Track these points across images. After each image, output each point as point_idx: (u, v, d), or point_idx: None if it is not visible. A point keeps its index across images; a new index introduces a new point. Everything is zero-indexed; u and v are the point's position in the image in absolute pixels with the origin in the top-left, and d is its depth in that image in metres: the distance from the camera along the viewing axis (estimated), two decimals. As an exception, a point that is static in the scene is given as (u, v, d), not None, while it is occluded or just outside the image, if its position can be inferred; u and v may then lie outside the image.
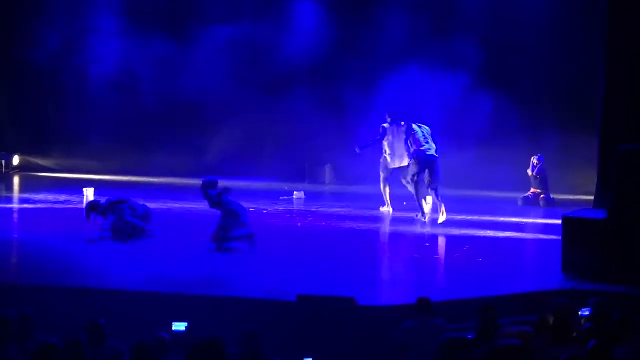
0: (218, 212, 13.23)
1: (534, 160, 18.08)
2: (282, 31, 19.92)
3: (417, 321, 8.76)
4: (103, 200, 14.12)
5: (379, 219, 16.33)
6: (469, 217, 16.27)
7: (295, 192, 18.67)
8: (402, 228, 15.35)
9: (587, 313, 8.14)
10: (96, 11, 20.53)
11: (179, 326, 8.82)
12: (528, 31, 18.84)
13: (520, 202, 17.95)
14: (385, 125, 16.39)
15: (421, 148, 15.48)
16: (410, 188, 15.86)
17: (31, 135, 21.36)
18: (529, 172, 18.10)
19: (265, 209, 16.97)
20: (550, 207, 17.52)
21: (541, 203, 17.83)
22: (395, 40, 19.28)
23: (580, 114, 18.14)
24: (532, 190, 18.06)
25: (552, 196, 17.97)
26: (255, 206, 16.98)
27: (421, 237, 14.58)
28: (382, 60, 19.40)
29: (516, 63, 19.03)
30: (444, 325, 8.66)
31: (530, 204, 17.86)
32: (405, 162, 16.12)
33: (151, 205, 14.66)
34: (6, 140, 20.67)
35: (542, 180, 18.01)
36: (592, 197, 14.49)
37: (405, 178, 16.15)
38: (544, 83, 18.87)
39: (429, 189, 15.52)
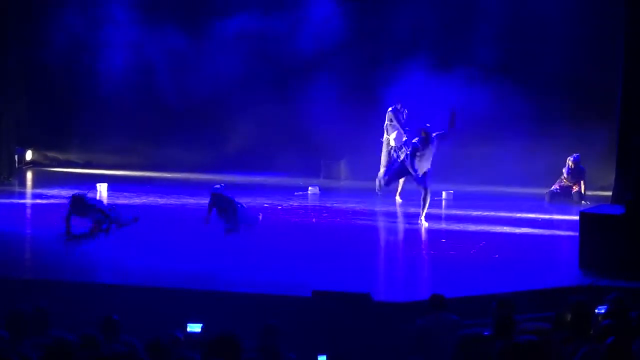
0: None
1: (569, 161, 17.48)
2: (296, 23, 19.84)
3: (431, 317, 8.71)
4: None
5: (394, 214, 16.27)
6: (485, 213, 16.19)
7: (310, 188, 18.60)
8: (418, 224, 15.28)
9: (603, 310, 8.07)
10: (110, 6, 20.52)
11: (194, 327, 8.59)
12: (542, 22, 18.68)
13: (547, 198, 17.52)
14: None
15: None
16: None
17: (50, 130, 21.37)
18: (564, 174, 17.55)
19: (279, 205, 16.92)
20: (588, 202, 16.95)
21: (588, 202, 17.06)
22: (410, 31, 19.17)
23: (596, 107, 18.00)
24: (565, 182, 17.43)
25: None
26: (270, 201, 16.95)
27: (437, 233, 14.51)
28: (397, 51, 19.28)
29: (530, 55, 18.88)
30: (459, 322, 8.62)
31: (558, 199, 17.33)
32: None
33: (166, 200, 14.62)
34: (25, 135, 20.68)
35: (577, 179, 17.43)
36: (607, 192, 14.42)
37: None
38: (558, 75, 18.69)
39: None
